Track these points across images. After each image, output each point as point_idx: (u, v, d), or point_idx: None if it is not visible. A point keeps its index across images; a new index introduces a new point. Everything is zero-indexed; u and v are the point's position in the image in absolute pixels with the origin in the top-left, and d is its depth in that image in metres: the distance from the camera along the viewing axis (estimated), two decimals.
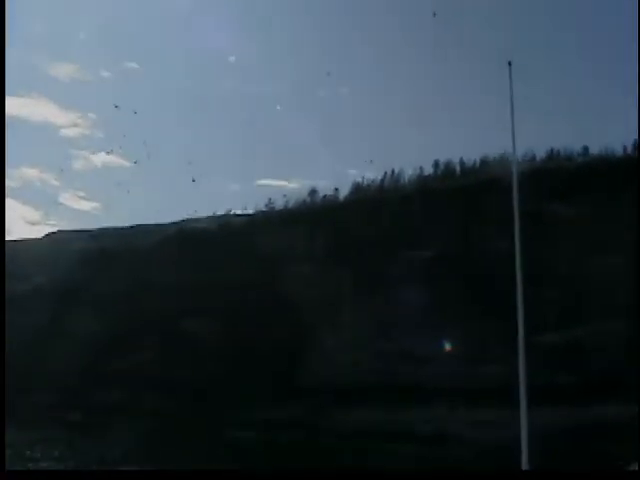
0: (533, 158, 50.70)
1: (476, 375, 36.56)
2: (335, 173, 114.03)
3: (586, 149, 49.48)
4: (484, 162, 55.52)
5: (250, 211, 58.50)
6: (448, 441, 33.44)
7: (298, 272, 46.89)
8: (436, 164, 56.84)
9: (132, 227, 61.08)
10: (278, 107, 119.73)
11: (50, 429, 38.95)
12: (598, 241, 35.86)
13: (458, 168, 56.47)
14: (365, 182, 58.55)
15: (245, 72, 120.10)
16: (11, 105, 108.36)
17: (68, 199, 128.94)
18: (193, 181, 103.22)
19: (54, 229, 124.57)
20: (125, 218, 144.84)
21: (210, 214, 60.75)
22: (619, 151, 46.79)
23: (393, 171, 58.04)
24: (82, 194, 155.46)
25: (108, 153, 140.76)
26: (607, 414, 29.72)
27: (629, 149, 46.21)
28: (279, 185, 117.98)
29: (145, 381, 47.23)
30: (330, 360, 43.48)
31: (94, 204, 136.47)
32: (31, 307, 53.50)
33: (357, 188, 58.01)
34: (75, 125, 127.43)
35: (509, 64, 7.77)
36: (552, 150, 51.43)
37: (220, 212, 61.59)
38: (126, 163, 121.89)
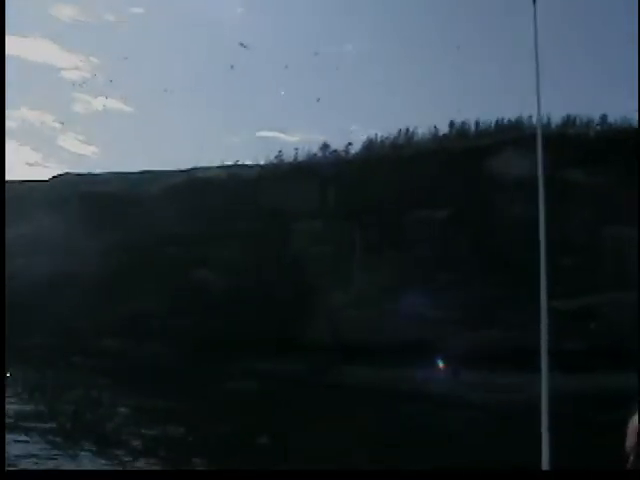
0: (548, 124, 50.71)
1: (482, 339, 37.21)
2: (336, 128, 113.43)
3: (604, 117, 49.34)
4: (500, 124, 55.49)
5: (261, 162, 58.35)
6: (454, 403, 34.19)
7: (307, 227, 47.13)
8: (451, 124, 56.80)
9: (140, 173, 60.93)
10: (286, 66, 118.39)
11: (47, 370, 39.94)
12: (614, 210, 36.11)
13: (473, 129, 56.43)
14: (378, 139, 58.46)
15: (252, 25, 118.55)
16: (11, 44, 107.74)
17: (67, 142, 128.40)
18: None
19: (53, 171, 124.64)
20: (125, 164, 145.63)
21: (217, 163, 60.68)
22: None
23: (407, 129, 57.97)
24: (82, 138, 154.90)
25: (107, 98, 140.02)
26: (612, 383, 30.39)
27: None
28: (278, 137, 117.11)
29: (148, 329, 48.06)
30: (337, 317, 44.17)
31: (94, 148, 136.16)
32: (36, 249, 53.93)
33: (369, 145, 57.93)
34: (77, 68, 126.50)
35: (534, 1, 7.25)
36: (569, 116, 51.30)
37: (225, 162, 61.40)
38: (127, 108, 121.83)
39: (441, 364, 39.08)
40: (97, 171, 66.86)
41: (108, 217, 54.08)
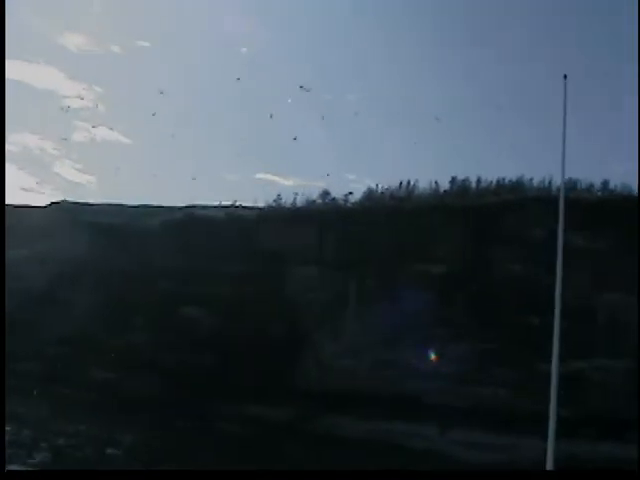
0: (549, 187, 51.47)
1: (474, 396, 37.30)
2: (334, 177, 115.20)
3: (606, 183, 50.08)
4: (500, 184, 56.21)
5: (260, 204, 58.83)
6: (439, 459, 34.18)
7: (303, 272, 47.30)
8: (453, 180, 57.50)
9: (138, 207, 61.25)
10: (289, 100, 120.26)
11: (30, 399, 39.56)
12: (611, 276, 36.53)
13: (474, 186, 57.09)
14: (379, 190, 59.06)
15: (255, 64, 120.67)
16: (17, 70, 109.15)
17: (64, 169, 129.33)
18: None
19: (48, 198, 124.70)
20: (120, 196, 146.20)
21: (215, 201, 61.16)
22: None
23: (409, 182, 58.67)
24: (79, 166, 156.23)
25: (109, 128, 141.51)
26: (599, 451, 30.53)
27: None
28: (274, 180, 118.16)
29: (135, 363, 47.99)
30: (327, 365, 44.16)
31: (89, 177, 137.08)
32: (29, 273, 54.02)
33: (369, 195, 58.52)
34: (79, 97, 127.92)
35: (565, 77, 7.46)
36: (570, 180, 51.92)
37: (223, 202, 61.82)
38: (126, 140, 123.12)
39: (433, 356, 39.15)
40: (92, 200, 67.54)
41: (104, 247, 54.24)
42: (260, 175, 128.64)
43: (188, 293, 49.83)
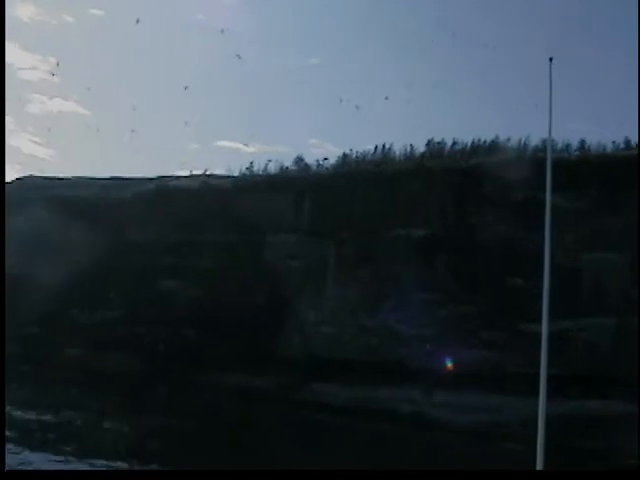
0: (525, 147, 52.26)
1: (460, 358, 38.08)
2: (295, 141, 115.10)
3: (582, 142, 50.90)
4: (475, 145, 56.89)
5: (234, 173, 59.07)
6: (425, 423, 35.05)
7: (281, 240, 47.68)
8: (429, 143, 58.08)
9: (108, 179, 61.19)
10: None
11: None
12: (594, 236, 37.38)
13: (448, 148, 57.73)
14: (354, 154, 59.50)
15: (211, 29, 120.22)
16: None
17: (22, 143, 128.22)
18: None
19: (7, 173, 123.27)
20: (82, 168, 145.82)
21: (176, 171, 61.54)
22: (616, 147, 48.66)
23: (384, 146, 59.17)
24: (37, 139, 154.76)
25: (67, 100, 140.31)
26: (587, 408, 31.59)
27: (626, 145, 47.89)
28: (237, 147, 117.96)
29: (113, 339, 48.32)
30: (308, 333, 44.82)
31: (49, 151, 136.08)
32: None
33: (344, 160, 58.93)
34: (34, 68, 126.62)
35: (550, 60, 8.07)
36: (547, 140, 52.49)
37: (191, 171, 61.95)
38: (84, 111, 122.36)
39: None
40: (53, 174, 67.07)
41: (76, 222, 54.14)
42: (221, 142, 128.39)
43: (165, 266, 50.06)
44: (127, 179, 59.91)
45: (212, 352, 43.77)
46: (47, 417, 30.61)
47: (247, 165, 60.79)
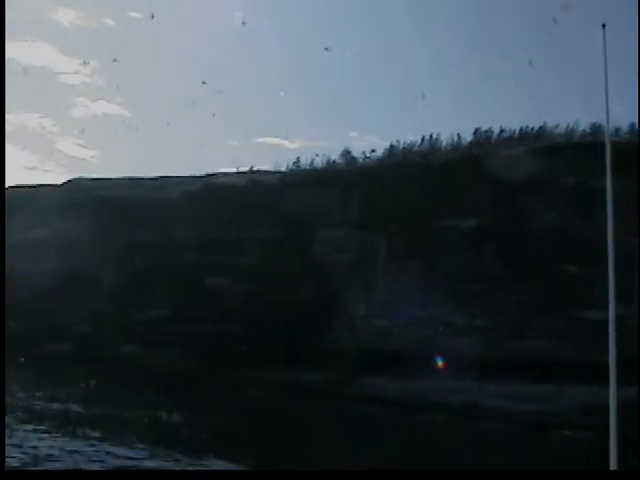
0: (572, 132, 51.95)
1: (511, 348, 37.91)
2: (336, 135, 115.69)
3: (633, 125, 50.20)
4: (524, 132, 56.50)
5: (281, 168, 59.63)
6: (480, 414, 34.88)
7: (329, 234, 47.87)
8: (475, 132, 57.96)
9: (155, 179, 61.86)
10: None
11: (56, 380, 40.32)
12: None
13: (495, 137, 57.49)
14: (402, 146, 59.57)
15: (253, 33, 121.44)
16: (10, 48, 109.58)
17: (66, 146, 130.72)
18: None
19: (52, 175, 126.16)
20: (124, 169, 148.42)
21: (231, 170, 62.06)
22: None
23: (431, 136, 59.14)
24: (80, 142, 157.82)
25: (107, 102, 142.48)
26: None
27: None
28: (278, 143, 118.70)
29: (163, 336, 49.15)
30: (359, 326, 44.98)
31: (92, 152, 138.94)
32: (52, 253, 55.30)
33: (391, 152, 58.99)
34: (76, 72, 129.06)
35: (603, 26, 7.96)
36: (594, 125, 51.96)
37: (238, 168, 62.50)
38: (127, 113, 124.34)
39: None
40: (98, 175, 68.43)
41: (126, 222, 55.12)
42: (261, 139, 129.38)
43: (213, 263, 50.60)
44: (174, 177, 60.67)
45: (261, 348, 44.04)
46: (114, 412, 31.21)
47: (293, 160, 61.69)
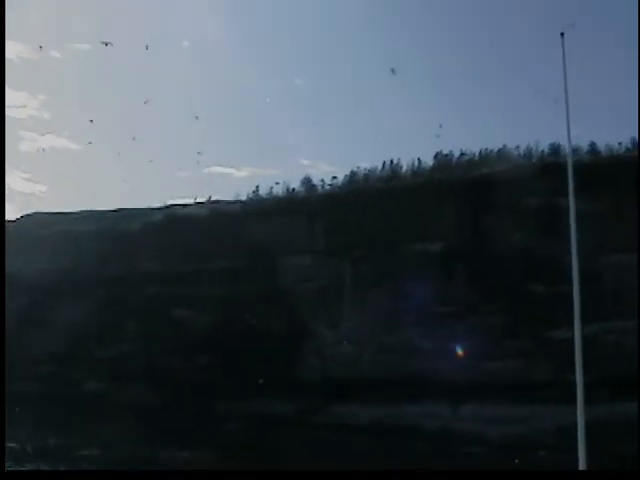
0: (534, 153, 53.10)
1: (485, 370, 38.36)
2: (286, 163, 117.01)
3: (593, 145, 51.49)
4: (484, 155, 57.59)
5: (241, 198, 59.95)
6: (455, 438, 35.35)
7: (295, 263, 48.08)
8: (436, 155, 58.88)
9: (114, 211, 61.87)
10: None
11: (21, 421, 39.75)
12: (612, 238, 37.71)
13: (456, 160, 58.48)
14: (362, 172, 60.28)
15: (196, 58, 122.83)
16: None
17: (13, 180, 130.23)
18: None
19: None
20: (73, 203, 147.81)
21: (169, 200, 62.57)
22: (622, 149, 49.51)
23: (392, 161, 60.00)
24: (27, 176, 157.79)
25: (57, 135, 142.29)
26: (617, 412, 31.66)
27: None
28: (227, 172, 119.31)
29: (130, 371, 48.83)
30: (328, 354, 45.16)
31: (40, 187, 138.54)
32: (12, 292, 54.60)
33: (352, 178, 59.68)
34: (22, 106, 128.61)
35: (562, 35, 7.93)
36: (553, 145, 53.07)
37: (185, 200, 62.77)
38: (74, 146, 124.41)
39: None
40: (50, 210, 68.01)
41: (86, 256, 54.87)
42: (211, 169, 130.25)
43: (177, 295, 50.54)
44: (134, 209, 60.68)
45: (229, 380, 44.06)
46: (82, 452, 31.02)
47: (246, 190, 62.18)
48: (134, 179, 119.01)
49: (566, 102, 7.97)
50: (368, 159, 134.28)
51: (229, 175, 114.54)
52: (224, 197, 60.78)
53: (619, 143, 49.98)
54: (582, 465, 6.69)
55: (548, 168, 40.33)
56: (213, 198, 61.55)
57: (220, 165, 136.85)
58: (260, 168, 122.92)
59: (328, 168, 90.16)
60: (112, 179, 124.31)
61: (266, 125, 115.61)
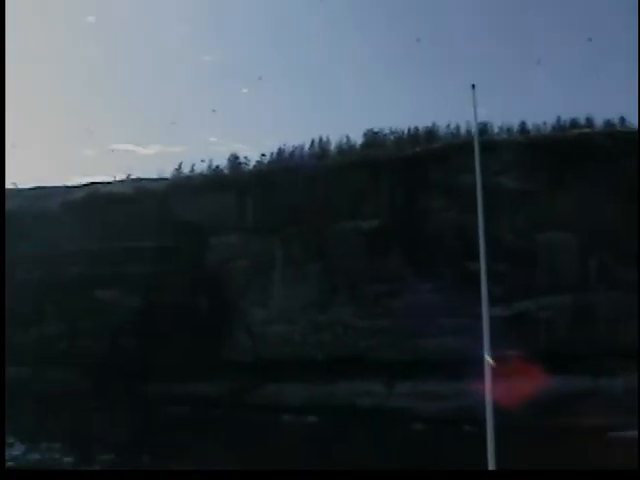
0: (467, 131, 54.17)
1: (419, 348, 39.22)
2: (194, 140, 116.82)
3: (523, 124, 52.98)
4: (413, 133, 58.61)
5: (166, 175, 59.56)
6: (388, 414, 36.19)
7: (223, 241, 48.09)
8: (366, 133, 59.67)
9: (33, 189, 60.70)
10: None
11: None
12: (546, 216, 38.96)
13: (389, 138, 59.31)
14: (288, 149, 60.62)
15: (95, 34, 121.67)
16: None
17: None
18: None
19: None
20: None
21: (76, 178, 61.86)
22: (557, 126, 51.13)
23: (321, 139, 60.53)
24: None
25: None
26: (553, 387, 32.91)
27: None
28: (133, 150, 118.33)
29: (53, 354, 48.37)
30: (258, 333, 45.57)
31: None
32: None
33: (280, 156, 59.94)
34: None
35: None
36: (486, 124, 54.21)
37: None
38: None
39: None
40: None
41: (4, 234, 53.76)
42: (116, 145, 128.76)
43: (101, 275, 50.00)
44: (51, 187, 59.61)
45: (157, 361, 44.00)
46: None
47: (156, 167, 61.64)
48: (35, 160, 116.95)
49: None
50: (281, 138, 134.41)
51: (135, 153, 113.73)
52: (138, 175, 60.50)
53: (544, 122, 51.84)
54: (491, 465, 6.95)
55: (480, 146, 41.17)
56: (132, 176, 60.95)
57: (124, 142, 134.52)
58: (166, 146, 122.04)
59: (241, 147, 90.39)
60: (21, 159, 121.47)
61: (170, 103, 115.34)
